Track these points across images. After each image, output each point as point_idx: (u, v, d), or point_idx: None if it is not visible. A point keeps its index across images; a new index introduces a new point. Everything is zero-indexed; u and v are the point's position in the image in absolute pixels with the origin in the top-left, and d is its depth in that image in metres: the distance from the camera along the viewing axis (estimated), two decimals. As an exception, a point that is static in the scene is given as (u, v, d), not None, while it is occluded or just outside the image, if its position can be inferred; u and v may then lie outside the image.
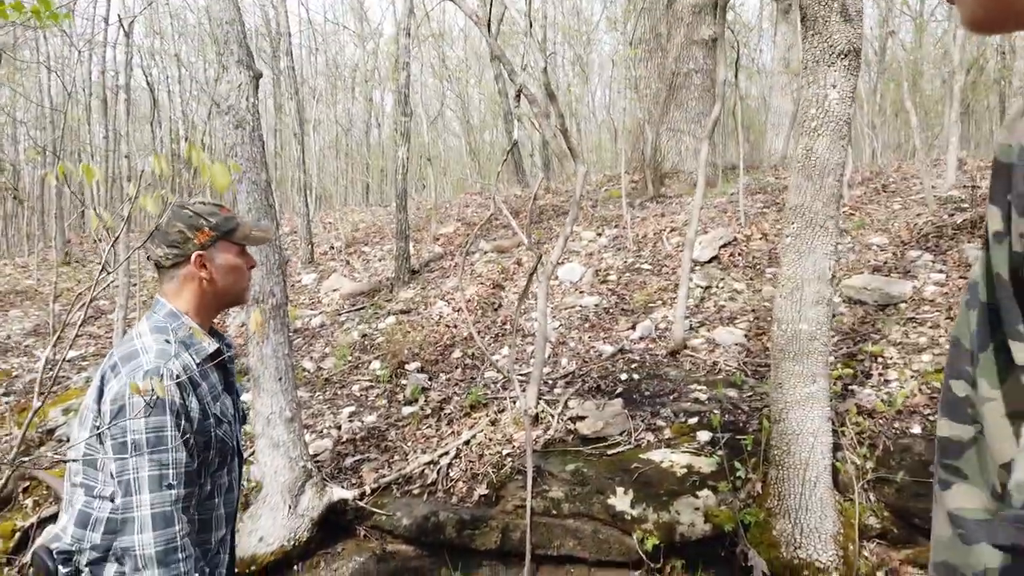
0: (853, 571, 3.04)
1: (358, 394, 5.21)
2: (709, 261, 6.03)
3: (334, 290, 8.06)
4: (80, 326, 1.76)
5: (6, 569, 3.81)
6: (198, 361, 1.74)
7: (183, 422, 1.65)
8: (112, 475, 1.65)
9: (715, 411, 3.78)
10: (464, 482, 3.88)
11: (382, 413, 4.81)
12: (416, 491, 3.92)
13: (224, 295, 1.83)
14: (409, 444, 4.33)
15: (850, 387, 3.90)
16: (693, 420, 3.83)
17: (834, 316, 4.61)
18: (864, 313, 4.78)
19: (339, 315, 7.25)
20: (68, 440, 4.73)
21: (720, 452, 3.51)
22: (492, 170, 17.28)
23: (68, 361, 6.62)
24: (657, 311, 5.42)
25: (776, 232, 6.37)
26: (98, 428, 1.66)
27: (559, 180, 12.24)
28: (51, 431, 4.99)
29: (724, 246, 6.21)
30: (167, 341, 1.71)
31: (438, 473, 3.97)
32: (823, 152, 3.03)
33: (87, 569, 1.70)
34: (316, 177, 14.77)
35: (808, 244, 3.07)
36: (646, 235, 7.01)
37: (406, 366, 5.44)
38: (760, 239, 6.32)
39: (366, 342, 6.22)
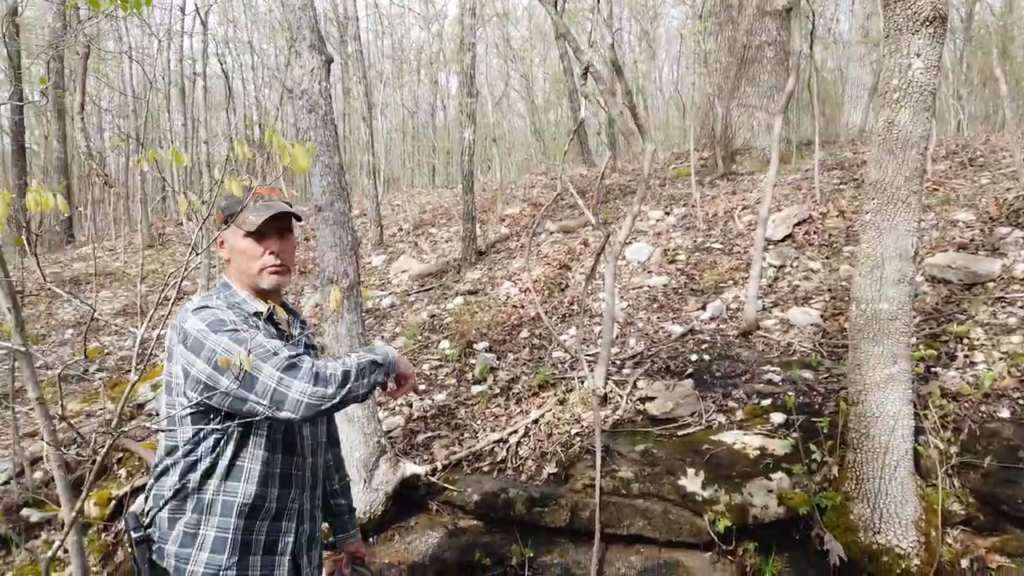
0: (935, 558, 2.95)
1: (428, 373, 5.31)
2: (783, 240, 5.87)
3: (403, 271, 8.19)
4: (171, 304, 1.86)
5: (103, 535, 4.05)
6: (242, 318, 1.87)
7: (235, 317, 1.81)
8: (204, 388, 1.77)
9: (789, 393, 3.70)
10: (533, 460, 3.92)
11: (451, 392, 4.89)
12: (486, 468, 3.98)
13: (242, 275, 1.95)
14: (478, 422, 4.40)
15: (933, 369, 3.76)
16: (766, 402, 3.76)
17: (916, 295, 4.44)
18: (948, 292, 4.59)
19: (408, 296, 7.37)
20: (157, 414, 4.99)
21: (795, 434, 3.44)
22: (557, 150, 17.20)
23: (158, 340, 6.96)
24: (728, 291, 5.32)
25: (854, 209, 6.15)
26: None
27: (625, 159, 12.08)
28: (141, 406, 5.26)
29: (798, 224, 6.03)
30: (213, 297, 1.92)
31: (507, 451, 4.02)
32: (906, 124, 2.91)
33: (155, 517, 1.88)
34: (384, 160, 14.99)
35: (889, 221, 2.96)
36: (716, 214, 6.87)
37: (474, 346, 5.50)
38: (837, 216, 6.12)
39: (435, 322, 6.31)
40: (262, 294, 1.97)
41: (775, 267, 5.50)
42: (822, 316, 4.66)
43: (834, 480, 3.22)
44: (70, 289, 10.01)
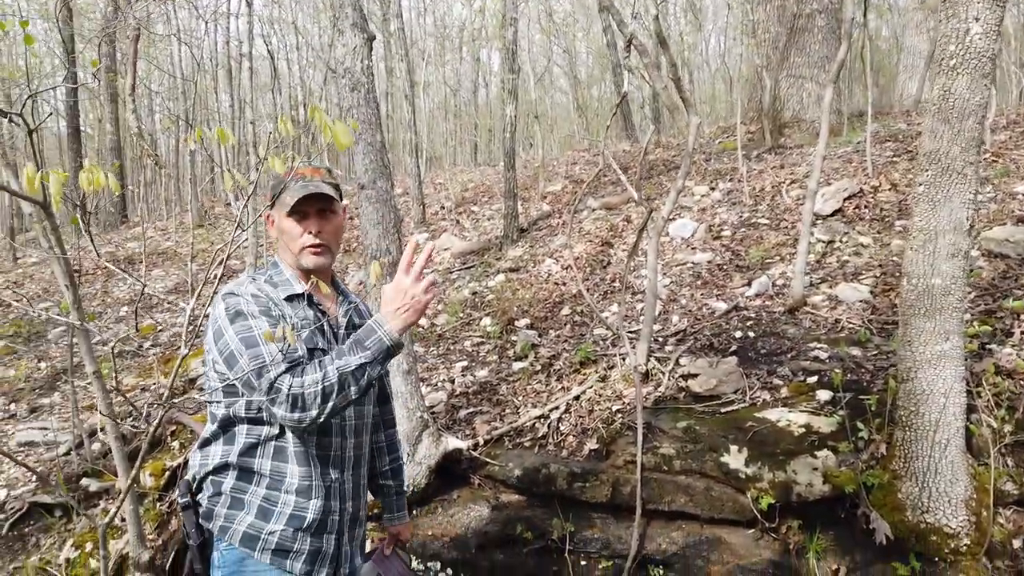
0: (986, 538, 2.88)
1: (470, 349, 5.34)
2: (832, 214, 5.73)
3: (445, 249, 8.24)
4: (218, 282, 1.91)
5: (158, 504, 4.20)
6: (283, 296, 1.93)
7: (256, 307, 1.84)
8: (219, 380, 1.88)
9: (836, 370, 3.63)
10: (574, 436, 3.93)
11: (493, 368, 4.92)
12: (527, 443, 4.00)
13: (287, 254, 2.00)
14: (520, 398, 4.42)
15: (988, 346, 3.64)
16: (812, 379, 3.70)
17: (971, 270, 4.29)
18: (1006, 267, 4.42)
19: (450, 273, 7.42)
20: (171, 393, 5.14)
21: (841, 412, 3.37)
22: (600, 126, 17.01)
23: (207, 316, 7.14)
24: (774, 267, 5.22)
25: (907, 183, 5.96)
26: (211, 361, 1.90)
27: (669, 134, 11.89)
28: (192, 380, 5.42)
29: (849, 198, 5.87)
30: (252, 279, 1.97)
31: (548, 427, 4.04)
32: (963, 92, 2.79)
33: (203, 484, 1.96)
34: (426, 139, 15.04)
35: (944, 192, 2.86)
36: (763, 188, 6.73)
37: (516, 323, 5.52)
38: (889, 190, 5.94)
39: (476, 299, 6.34)
40: (307, 274, 1.99)
41: (824, 242, 5.37)
42: (872, 292, 4.54)
43: (882, 458, 3.15)
44: (124, 268, 10.33)
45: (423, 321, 6.14)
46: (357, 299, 2.17)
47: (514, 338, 5.25)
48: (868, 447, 3.22)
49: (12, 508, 3.96)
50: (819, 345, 4.02)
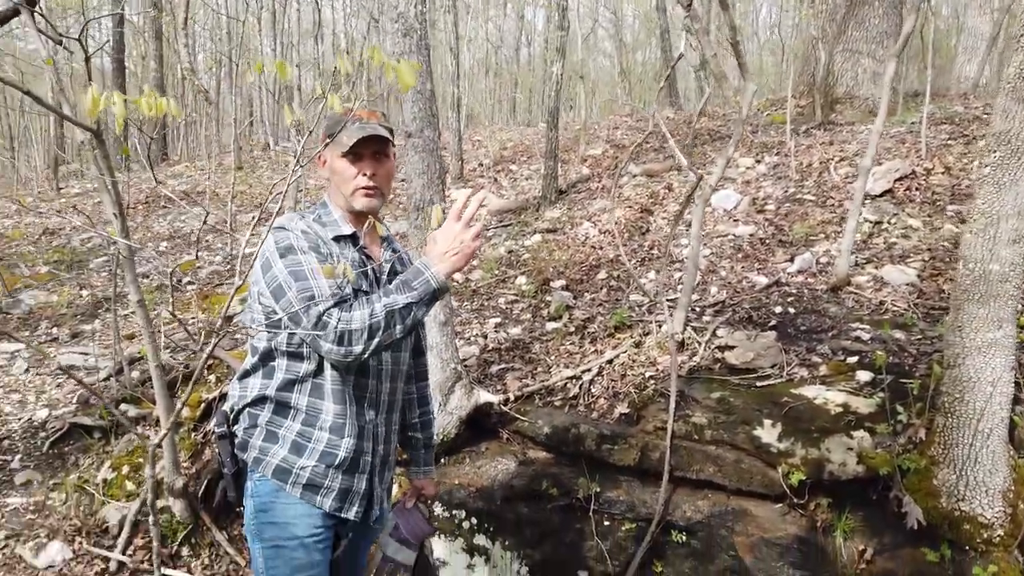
0: (1021, 530, 2.84)
1: (504, 307, 5.35)
2: (882, 195, 5.59)
3: (482, 206, 8.20)
4: (273, 217, 1.90)
5: (192, 434, 4.29)
6: (330, 236, 1.94)
7: (292, 257, 1.83)
8: (263, 312, 1.90)
9: (879, 351, 3.57)
10: (605, 399, 3.93)
11: (526, 326, 4.92)
12: (558, 403, 4.02)
13: (338, 195, 1.99)
14: (552, 358, 4.42)
15: (1038, 338, 3.55)
16: (852, 359, 3.65)
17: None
18: (1062, 260, 4.29)
19: (487, 230, 7.40)
20: (242, 326, 5.22)
21: (881, 394, 3.33)
22: (643, 91, 16.71)
23: (245, 256, 7.22)
24: (818, 244, 5.13)
25: (961, 167, 5.79)
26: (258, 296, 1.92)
27: (715, 103, 11.64)
28: (229, 318, 5.50)
29: (900, 179, 5.72)
30: (302, 217, 1.96)
31: (580, 388, 4.04)
32: (1043, 72, 2.68)
33: (239, 415, 2.00)
34: (467, 94, 14.89)
35: (1011, 175, 2.76)
36: (811, 164, 6.58)
37: (551, 283, 5.50)
38: (942, 173, 5.77)
39: (512, 258, 6.33)
40: (356, 216, 1.99)
41: (871, 222, 5.25)
42: (919, 276, 4.44)
43: (919, 443, 3.11)
44: (164, 205, 10.46)
45: (458, 276, 6.14)
46: (400, 247, 2.17)
47: (548, 298, 5.24)
48: (907, 431, 3.18)
49: (53, 427, 4.07)
50: (861, 326, 3.96)
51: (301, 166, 2.09)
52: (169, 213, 9.92)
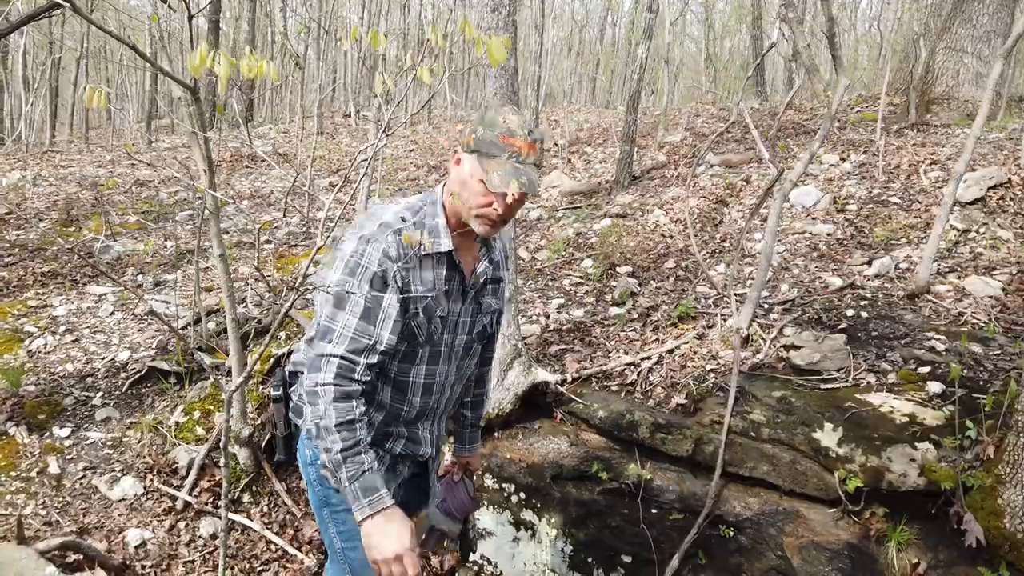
0: (1090, 563, 2.72)
1: (568, 288, 5.36)
2: (972, 202, 5.34)
3: (553, 186, 8.20)
4: (361, 178, 1.96)
5: (260, 387, 4.47)
6: (425, 252, 1.81)
7: (372, 290, 1.76)
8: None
9: (953, 363, 3.44)
10: (663, 388, 3.92)
11: (589, 310, 4.92)
12: (614, 388, 4.03)
13: (456, 199, 1.83)
14: (612, 343, 4.42)
15: None
16: (924, 369, 3.53)
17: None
18: None
19: (556, 211, 7.40)
20: (316, 287, 5.39)
21: (951, 407, 3.22)
22: (729, 80, 16.30)
23: (318, 220, 7.43)
24: (899, 249, 4.94)
25: (1064, 179, 5.47)
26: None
27: (803, 97, 11.28)
28: (305, 276, 5.68)
29: (993, 188, 5.45)
30: (403, 219, 1.82)
31: (638, 375, 4.04)
32: None
33: (299, 380, 1.98)
34: (548, 72, 14.82)
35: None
36: (899, 165, 6.32)
37: (617, 268, 5.48)
38: (1041, 184, 5.47)
39: (580, 240, 6.32)
40: (463, 229, 1.86)
41: (958, 231, 5.03)
42: (1004, 290, 4.25)
43: (987, 461, 3.00)
44: (247, 165, 10.82)
45: (524, 254, 6.18)
46: (500, 250, 2.06)
47: (614, 283, 5.23)
48: (974, 447, 3.07)
49: (133, 369, 4.30)
50: (937, 336, 3.82)
51: (387, 135, 2.14)
52: (252, 173, 10.26)
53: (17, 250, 6.10)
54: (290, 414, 2.05)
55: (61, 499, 3.19)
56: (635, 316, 4.68)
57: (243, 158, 11.04)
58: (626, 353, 4.26)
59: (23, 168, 9.91)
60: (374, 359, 1.79)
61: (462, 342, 2.02)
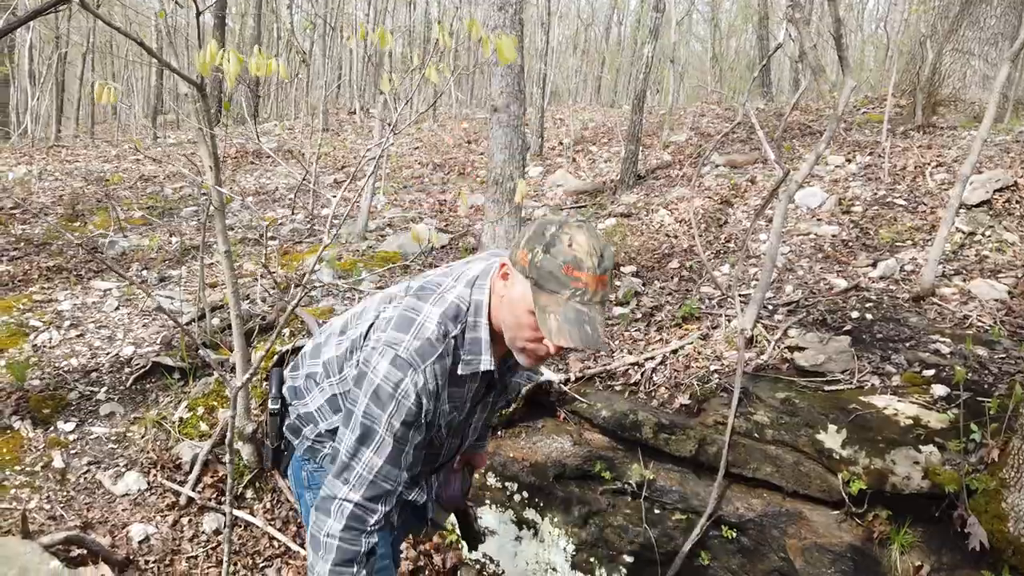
0: (1094, 568, 2.72)
1: (572, 287, 5.35)
2: (978, 205, 5.32)
3: (558, 185, 8.20)
4: (368, 178, 1.96)
5: (263, 384, 4.48)
6: (461, 373, 1.65)
7: (403, 427, 1.61)
8: (334, 403, 1.77)
9: (958, 366, 3.44)
10: (667, 389, 3.91)
11: (593, 309, 4.91)
12: (618, 388, 4.02)
13: (503, 326, 1.61)
14: (616, 343, 4.42)
15: None
16: (929, 372, 3.52)
17: None
18: None
19: (560, 210, 7.39)
20: (321, 284, 5.40)
21: (955, 410, 3.21)
22: (734, 80, 16.27)
23: (322, 217, 7.43)
24: (904, 251, 4.93)
25: (1070, 182, 5.45)
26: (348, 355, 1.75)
27: (808, 97, 11.27)
28: (305, 275, 5.69)
29: (1000, 190, 5.44)
30: (444, 335, 1.59)
31: (642, 375, 4.04)
32: None
33: (292, 419, 1.92)
34: (553, 70, 14.80)
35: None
36: (905, 167, 6.31)
37: (621, 268, 5.48)
38: (1048, 187, 5.45)
39: (585, 239, 6.30)
40: (502, 342, 1.66)
41: (964, 233, 5.02)
42: (1010, 292, 4.24)
43: (991, 464, 3.00)
44: (252, 161, 10.83)
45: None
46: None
47: (617, 283, 5.22)
48: (979, 450, 3.07)
49: (137, 364, 4.32)
50: (942, 339, 3.81)
51: (396, 133, 2.14)
52: (256, 169, 10.26)
53: (23, 244, 6.11)
54: (284, 430, 1.95)
55: (65, 493, 3.21)
56: (639, 316, 4.67)
57: (248, 154, 11.05)
58: (630, 353, 4.26)
59: (29, 162, 9.93)
60: (392, 505, 1.65)
61: (477, 429, 1.98)
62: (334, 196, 1.94)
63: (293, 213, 7.54)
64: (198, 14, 3.32)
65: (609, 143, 10.10)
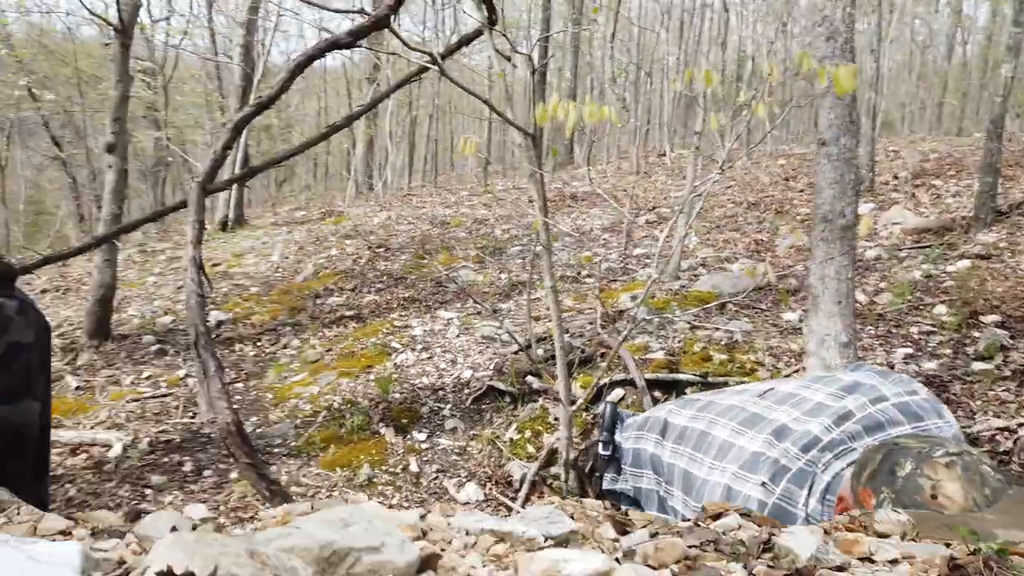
0: None
1: (916, 337, 4.77)
2: None
3: (894, 223, 7.41)
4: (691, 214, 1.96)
5: (584, 413, 4.65)
6: None
7: None
8: None
9: None
10: (1049, 462, 3.27)
11: (945, 363, 4.32)
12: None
13: None
14: (978, 403, 3.82)
15: None
16: None
17: None
18: None
19: (898, 250, 6.66)
20: (634, 320, 5.49)
21: None
22: None
23: (634, 256, 7.60)
24: None
25: None
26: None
27: None
28: (621, 312, 5.84)
29: None
30: None
31: (1015, 443, 3.43)
32: None
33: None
34: (885, 98, 13.54)
35: None
36: None
37: (981, 317, 4.75)
38: None
39: (930, 283, 5.60)
40: None
41: None
42: None
43: None
44: (568, 204, 11.49)
45: (860, 296, 5.65)
46: None
47: (976, 334, 4.53)
48: None
49: (475, 387, 4.77)
50: None
51: (723, 171, 2.12)
52: (572, 211, 10.86)
53: (385, 278, 7.17)
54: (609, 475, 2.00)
55: (419, 495, 3.64)
56: (1007, 373, 4.00)
57: (565, 198, 11.75)
58: (996, 416, 3.65)
59: (387, 209, 11.67)
60: None
61: None
62: (654, 236, 1.97)
63: (625, 250, 7.82)
64: (533, 72, 3.63)
65: (957, 175, 8.91)
